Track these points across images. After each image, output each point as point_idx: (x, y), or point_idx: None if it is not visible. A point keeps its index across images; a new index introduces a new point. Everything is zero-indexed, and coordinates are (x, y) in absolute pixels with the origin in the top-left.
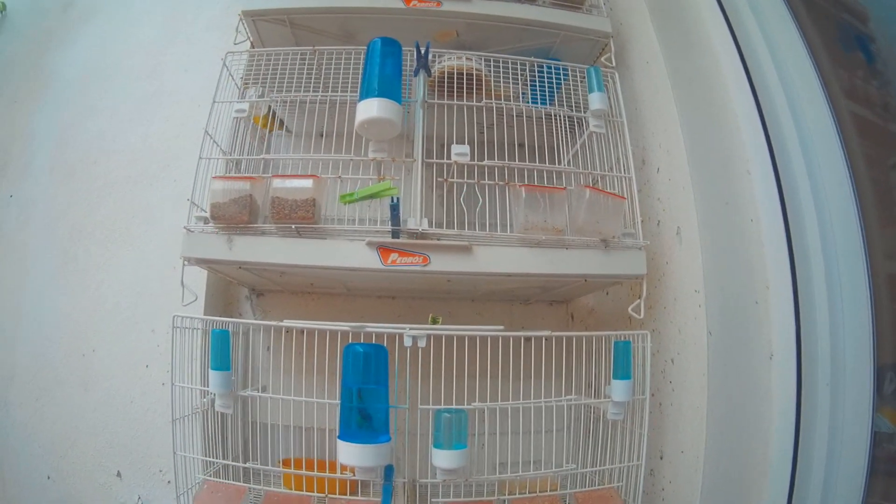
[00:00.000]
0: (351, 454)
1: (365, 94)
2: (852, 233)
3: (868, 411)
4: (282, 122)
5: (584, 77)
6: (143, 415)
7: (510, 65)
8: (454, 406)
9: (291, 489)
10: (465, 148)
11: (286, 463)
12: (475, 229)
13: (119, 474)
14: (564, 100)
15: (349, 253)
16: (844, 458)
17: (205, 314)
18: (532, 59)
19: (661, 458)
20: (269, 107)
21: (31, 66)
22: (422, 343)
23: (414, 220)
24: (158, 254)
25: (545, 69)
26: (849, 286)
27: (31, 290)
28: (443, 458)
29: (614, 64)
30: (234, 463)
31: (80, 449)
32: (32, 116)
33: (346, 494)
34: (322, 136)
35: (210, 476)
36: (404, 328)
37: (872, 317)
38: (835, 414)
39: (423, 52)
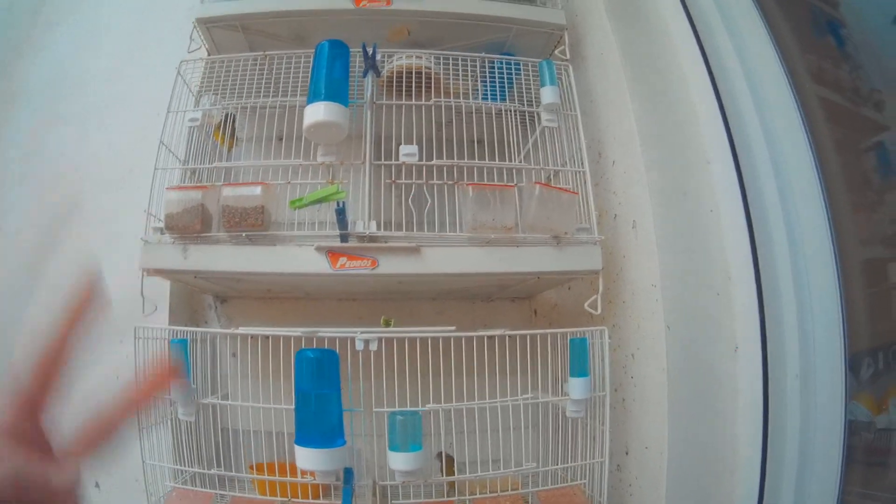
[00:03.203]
0: (307, 458)
1: (312, 98)
2: (818, 218)
3: (840, 401)
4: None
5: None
6: None
7: (460, 62)
8: (409, 408)
9: (266, 494)
10: (413, 148)
11: (256, 468)
12: (424, 230)
13: (97, 485)
14: (517, 95)
15: (299, 258)
16: (818, 449)
17: (170, 323)
18: (483, 55)
19: (627, 453)
20: (225, 116)
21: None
22: (373, 346)
23: (362, 223)
24: (124, 264)
25: (496, 65)
26: (816, 273)
27: (1, 302)
28: (399, 461)
29: (569, 56)
30: (199, 470)
31: None
32: (1, 128)
33: (309, 498)
34: (281, 140)
35: (181, 484)
36: (356, 332)
37: (842, 303)
38: (806, 405)
39: (370, 52)
